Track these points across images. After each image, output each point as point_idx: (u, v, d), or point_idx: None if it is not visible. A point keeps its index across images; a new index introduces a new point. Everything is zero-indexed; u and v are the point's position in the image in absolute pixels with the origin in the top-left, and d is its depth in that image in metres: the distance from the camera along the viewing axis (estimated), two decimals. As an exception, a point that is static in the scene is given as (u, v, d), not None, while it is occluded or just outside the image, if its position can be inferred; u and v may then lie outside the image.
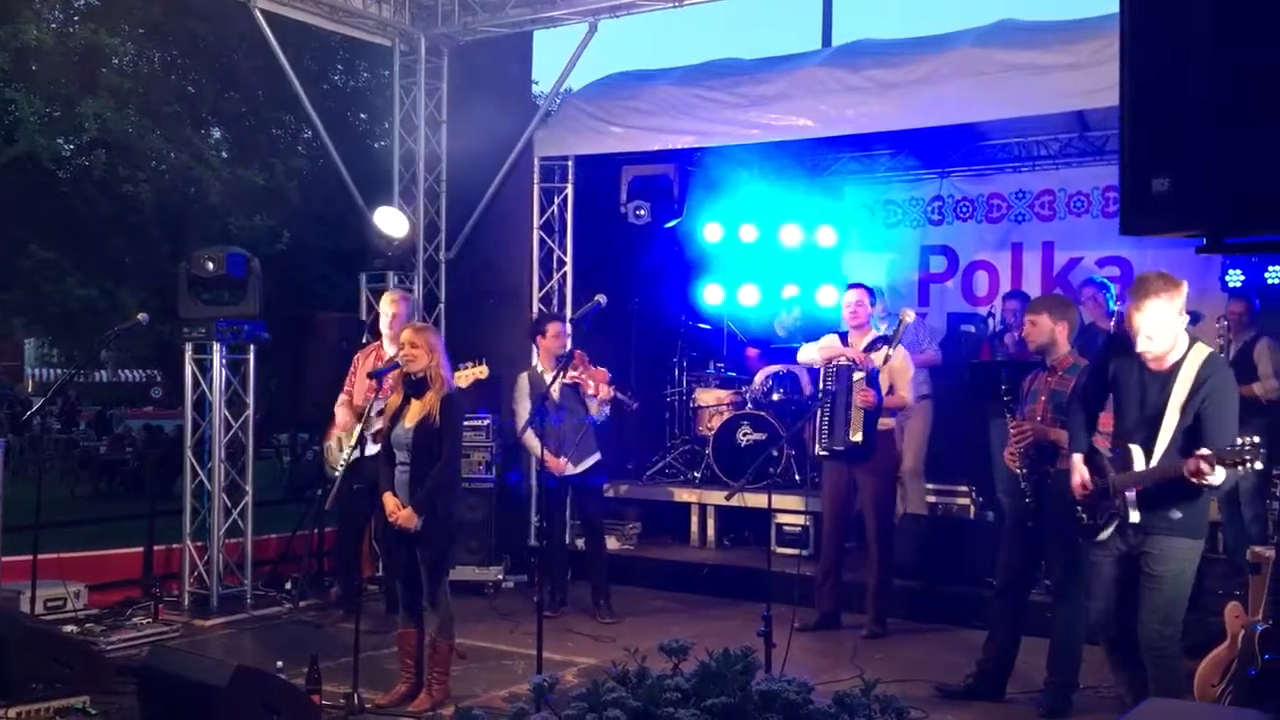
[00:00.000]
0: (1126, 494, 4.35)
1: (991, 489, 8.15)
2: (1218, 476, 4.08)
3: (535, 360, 7.64)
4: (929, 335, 8.67)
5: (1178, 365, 4.29)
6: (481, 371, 6.26)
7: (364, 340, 8.05)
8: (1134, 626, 4.52)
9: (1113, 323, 7.42)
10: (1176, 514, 4.32)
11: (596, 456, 7.43)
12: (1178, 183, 2.34)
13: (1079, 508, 4.61)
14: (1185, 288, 4.32)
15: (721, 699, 2.49)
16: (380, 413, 5.96)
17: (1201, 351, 4.32)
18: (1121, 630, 4.57)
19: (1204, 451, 4.08)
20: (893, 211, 10.41)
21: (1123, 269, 9.10)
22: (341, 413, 7.27)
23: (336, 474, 6.98)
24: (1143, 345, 4.29)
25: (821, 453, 6.82)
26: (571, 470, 7.37)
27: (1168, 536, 4.34)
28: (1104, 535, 4.48)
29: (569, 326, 7.45)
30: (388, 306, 7.28)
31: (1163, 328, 4.26)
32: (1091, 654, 4.64)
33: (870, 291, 6.98)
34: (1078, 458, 4.62)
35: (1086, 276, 8.60)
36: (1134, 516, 4.35)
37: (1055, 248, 9.69)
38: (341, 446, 7.15)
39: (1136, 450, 4.34)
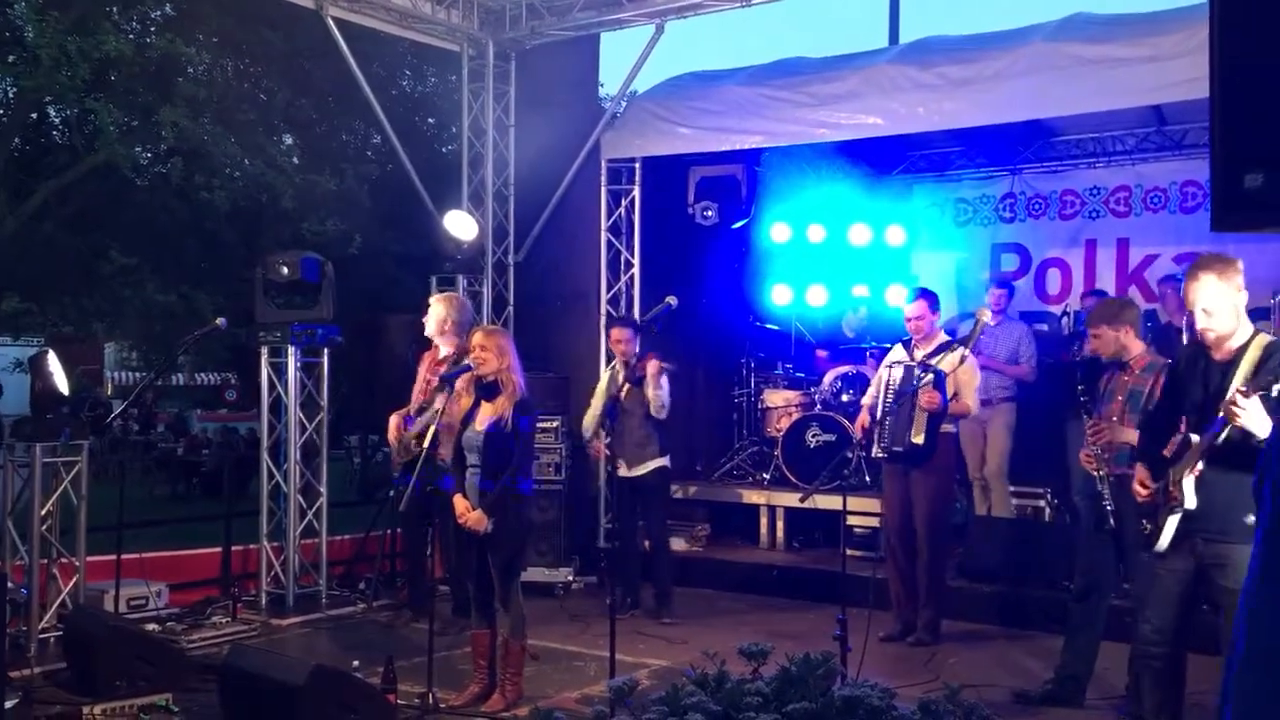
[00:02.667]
0: (1184, 481, 4.16)
1: (1067, 491, 8.02)
2: (1254, 409, 3.87)
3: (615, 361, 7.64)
4: (1031, 348, 8.28)
5: (1241, 350, 4.15)
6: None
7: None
8: (1185, 648, 4.38)
9: (1185, 320, 7.24)
10: (1251, 518, 3.93)
11: (657, 461, 7.38)
12: (1273, 177, 2.27)
13: (1143, 519, 4.44)
14: (1240, 266, 4.18)
15: (803, 704, 2.46)
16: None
17: (1265, 338, 4.18)
18: (1173, 649, 4.39)
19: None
20: (963, 209, 10.29)
21: (1202, 266, 8.88)
22: (393, 421, 7.27)
23: (396, 476, 7.12)
24: (1201, 321, 4.16)
25: (880, 454, 6.74)
26: (625, 472, 7.39)
27: (1245, 544, 3.93)
28: (1163, 540, 4.25)
29: (628, 331, 7.40)
30: (437, 307, 7.33)
31: (1220, 303, 4.12)
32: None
33: (930, 299, 6.84)
34: (1139, 464, 4.52)
35: (1165, 274, 8.41)
36: (1190, 501, 4.13)
37: (1130, 244, 9.51)
38: (399, 454, 7.21)
39: (1195, 437, 4.17)
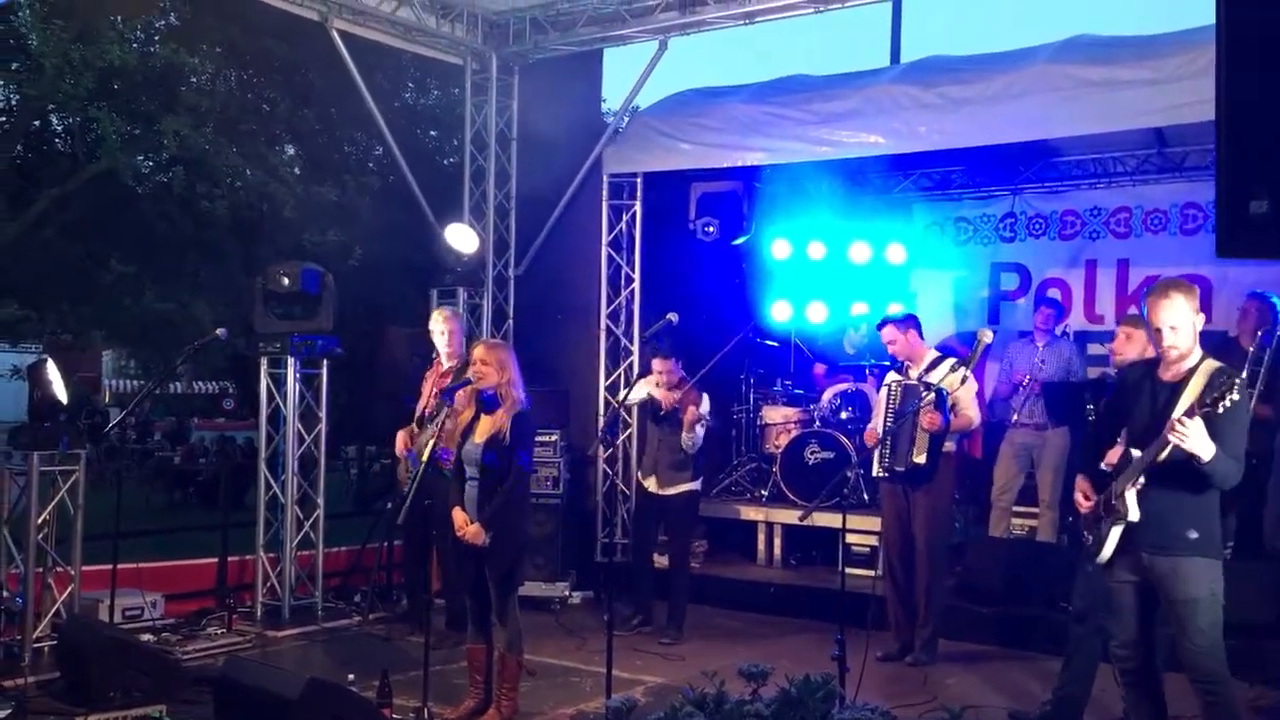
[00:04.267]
0: (1126, 494, 4.23)
1: (1072, 511, 8.00)
2: (1196, 432, 3.96)
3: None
4: (1083, 366, 8.15)
5: (1190, 373, 4.23)
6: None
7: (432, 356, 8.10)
8: (1155, 659, 4.41)
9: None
10: (1193, 534, 4.17)
11: (689, 485, 7.40)
12: (1278, 203, 2.28)
13: (1084, 532, 4.51)
14: (1198, 292, 4.34)
15: (802, 726, 2.45)
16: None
17: (1213, 364, 4.25)
18: (1144, 662, 4.42)
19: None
20: (963, 228, 10.29)
21: (1202, 287, 8.87)
22: (399, 434, 7.29)
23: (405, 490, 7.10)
24: (1169, 339, 4.23)
25: (881, 473, 6.74)
26: (656, 489, 7.39)
27: (1188, 557, 4.18)
28: (1106, 551, 4.32)
29: (670, 362, 7.38)
30: (440, 324, 7.31)
31: (1185, 323, 4.22)
32: (1173, 681, 4.48)
33: (899, 322, 6.84)
34: (1080, 476, 4.57)
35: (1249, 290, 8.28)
36: (1133, 514, 4.21)
37: (1130, 265, 9.51)
38: (409, 466, 7.20)
39: (1137, 453, 4.25)
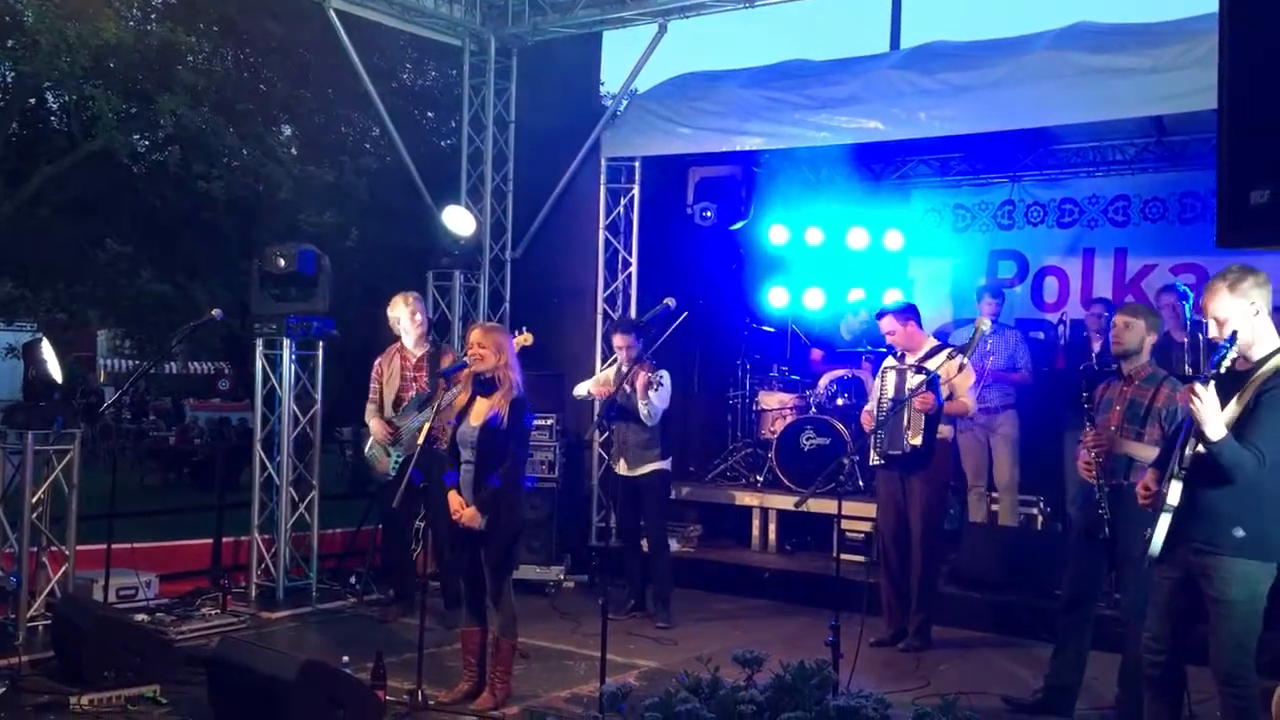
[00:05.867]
0: (1173, 481, 4.09)
1: (1060, 500, 8.02)
2: (1209, 402, 3.84)
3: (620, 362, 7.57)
4: (1027, 354, 8.29)
5: (1259, 365, 4.06)
6: (527, 339, 6.17)
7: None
8: (1182, 659, 4.33)
9: (1187, 334, 7.28)
10: (1240, 532, 4.02)
11: (656, 464, 7.32)
12: (1279, 194, 2.28)
13: (1147, 526, 4.31)
14: (1263, 280, 4.09)
15: (798, 714, 2.45)
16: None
17: None
18: (1171, 658, 4.34)
19: None
20: (961, 215, 10.29)
21: (1199, 277, 8.88)
22: (374, 423, 7.22)
23: (389, 477, 7.05)
24: (1213, 331, 4.10)
25: (877, 460, 6.72)
26: (625, 471, 7.37)
27: (1231, 558, 4.04)
28: (1155, 542, 4.16)
29: (630, 336, 7.26)
30: (409, 314, 7.24)
31: (1232, 315, 4.03)
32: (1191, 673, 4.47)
33: (899, 313, 6.81)
34: (1152, 469, 4.45)
35: (1166, 283, 8.39)
36: (1173, 498, 4.06)
37: (1128, 254, 9.52)
38: (388, 453, 7.17)
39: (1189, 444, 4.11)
